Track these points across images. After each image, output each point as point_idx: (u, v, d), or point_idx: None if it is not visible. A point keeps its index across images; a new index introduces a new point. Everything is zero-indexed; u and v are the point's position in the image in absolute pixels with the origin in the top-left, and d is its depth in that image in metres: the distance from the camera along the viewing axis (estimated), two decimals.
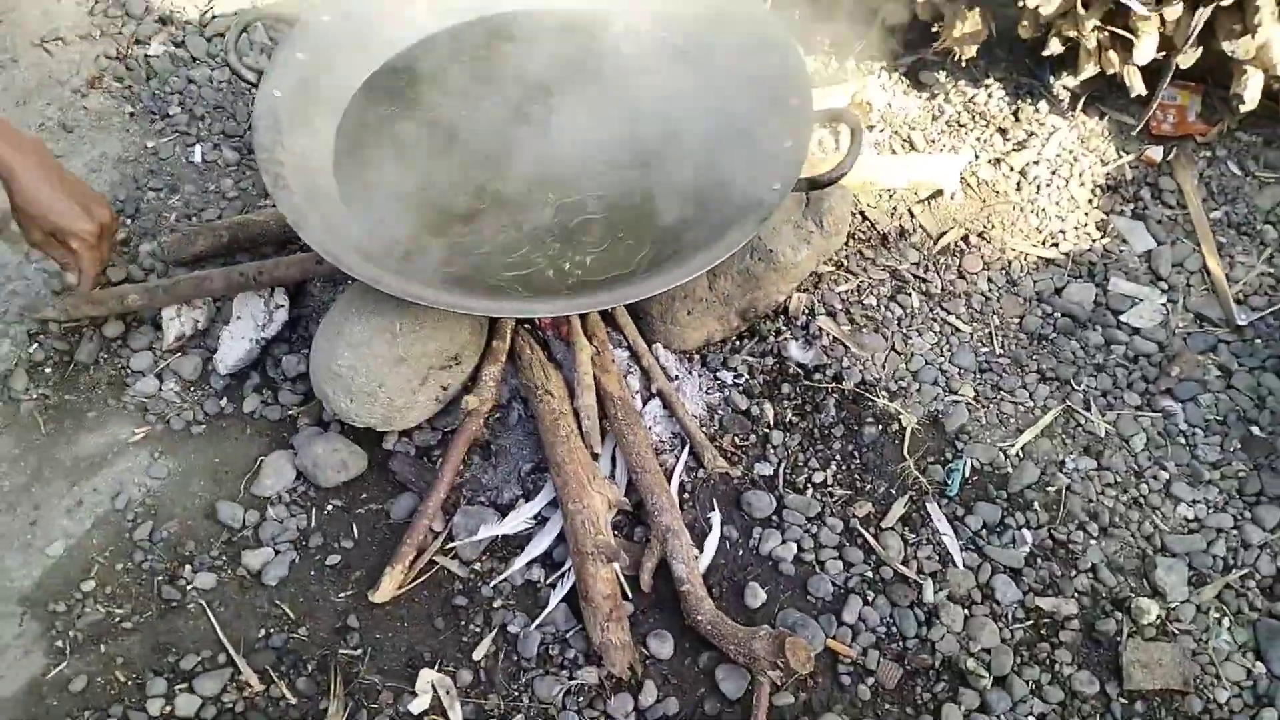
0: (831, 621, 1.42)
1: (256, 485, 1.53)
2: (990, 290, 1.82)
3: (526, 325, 1.62)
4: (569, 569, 1.42)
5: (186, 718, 1.32)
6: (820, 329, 1.71)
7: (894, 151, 2.02)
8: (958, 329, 1.76)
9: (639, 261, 1.45)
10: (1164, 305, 1.80)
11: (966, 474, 1.57)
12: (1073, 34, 1.90)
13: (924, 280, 1.82)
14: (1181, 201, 1.95)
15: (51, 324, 1.68)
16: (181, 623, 1.41)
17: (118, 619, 1.41)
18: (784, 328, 1.71)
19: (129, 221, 1.86)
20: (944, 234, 1.88)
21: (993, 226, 1.90)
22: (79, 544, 1.48)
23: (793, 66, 1.53)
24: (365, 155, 1.55)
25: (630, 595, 1.42)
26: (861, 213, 1.90)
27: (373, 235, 1.46)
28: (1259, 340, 1.75)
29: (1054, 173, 1.97)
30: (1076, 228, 1.91)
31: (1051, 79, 2.06)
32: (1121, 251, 1.87)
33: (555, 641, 1.39)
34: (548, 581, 1.44)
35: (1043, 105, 2.06)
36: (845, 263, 1.82)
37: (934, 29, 2.07)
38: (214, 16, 2.22)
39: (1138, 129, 2.01)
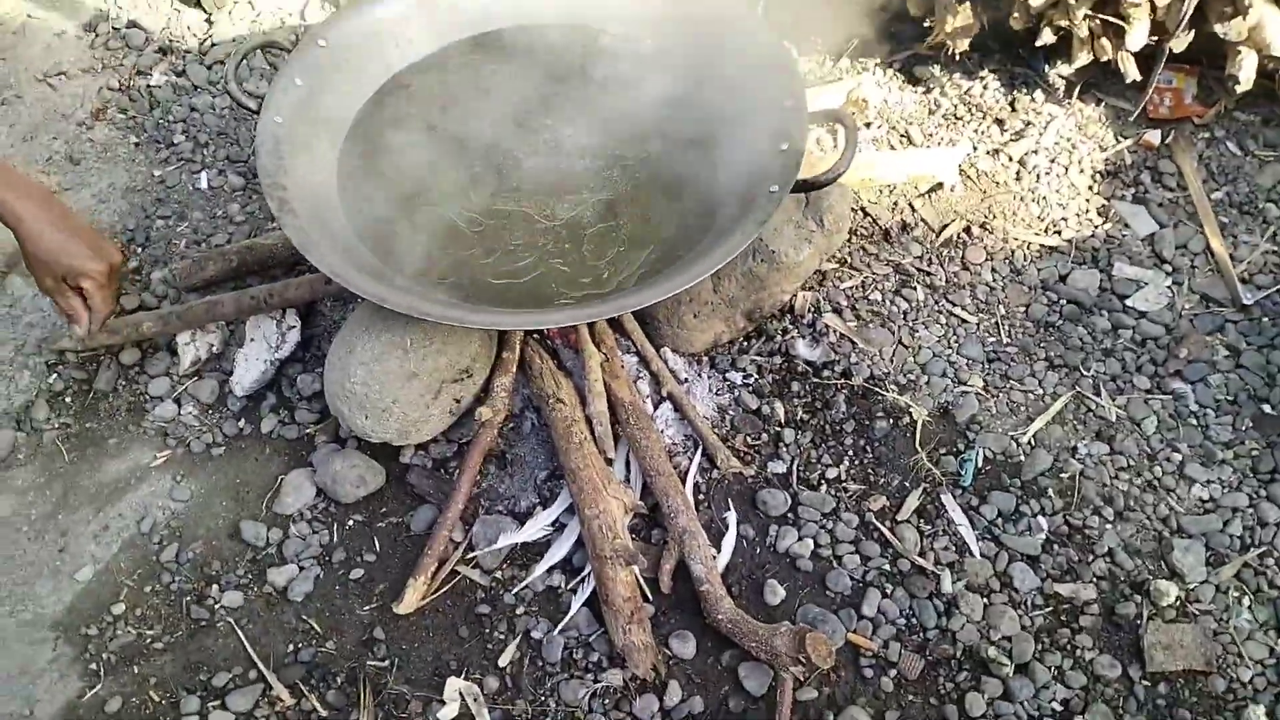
0: (851, 615, 1.43)
1: (278, 504, 1.55)
2: (995, 280, 1.83)
3: (535, 335, 1.64)
4: (589, 573, 1.44)
5: None
6: (827, 326, 1.72)
7: (892, 147, 2.03)
8: (964, 320, 1.77)
9: (642, 269, 1.47)
10: (1169, 288, 1.80)
11: (979, 464, 1.58)
12: (1064, 23, 1.91)
13: (928, 273, 1.83)
14: (1182, 184, 1.96)
15: (69, 354, 1.71)
16: (211, 641, 1.43)
17: (149, 640, 1.43)
18: (790, 326, 1.72)
19: (139, 250, 1.89)
20: (946, 226, 1.89)
21: (994, 217, 1.91)
22: (107, 568, 1.50)
23: (785, 70, 1.54)
24: (368, 175, 1.57)
25: (650, 597, 1.44)
26: (863, 209, 1.92)
27: (378, 253, 1.48)
28: (1266, 318, 1.75)
29: (1053, 161, 1.98)
30: (1078, 214, 1.92)
31: (1046, 68, 2.07)
32: (1124, 236, 1.88)
33: (579, 645, 1.41)
34: (568, 587, 1.46)
35: (1038, 95, 2.08)
36: (849, 259, 1.84)
37: (926, 24, 2.08)
38: (213, 45, 2.25)
39: (1135, 114, 2.02)
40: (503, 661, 1.40)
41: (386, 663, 1.40)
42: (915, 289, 1.80)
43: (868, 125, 2.06)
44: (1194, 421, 1.64)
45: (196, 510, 1.56)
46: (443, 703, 1.36)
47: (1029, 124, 2.04)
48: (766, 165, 1.47)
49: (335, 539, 1.53)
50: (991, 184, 1.97)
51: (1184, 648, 1.39)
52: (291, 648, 1.42)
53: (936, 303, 1.79)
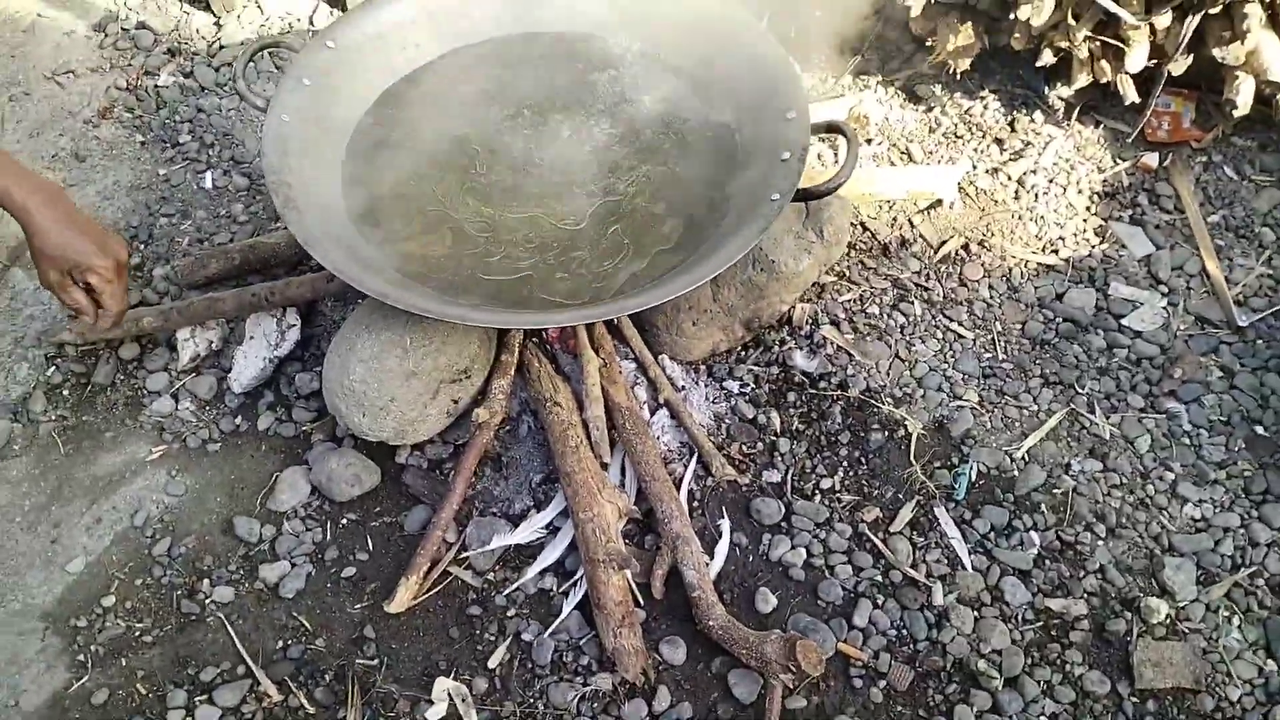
0: (842, 625, 1.43)
1: (272, 500, 1.55)
2: (992, 297, 1.84)
3: (534, 339, 1.64)
4: (581, 577, 1.44)
5: None
6: (824, 338, 1.73)
7: (892, 163, 2.05)
8: (961, 335, 1.78)
9: (642, 273, 1.48)
10: (1164, 308, 1.81)
11: (973, 478, 1.59)
12: (1065, 44, 1.93)
13: (926, 288, 1.84)
14: (1179, 206, 1.97)
15: (68, 347, 1.71)
16: (200, 636, 1.43)
17: (138, 633, 1.43)
18: (788, 337, 1.73)
19: (142, 247, 1.90)
20: (944, 243, 1.91)
21: (992, 234, 1.93)
22: (99, 560, 1.50)
23: (788, 81, 1.56)
24: (372, 175, 1.58)
25: (642, 602, 1.44)
26: (862, 223, 1.93)
27: (381, 252, 1.49)
28: (1260, 341, 1.76)
29: (1051, 181, 2.00)
30: (1075, 234, 1.93)
31: (1046, 89, 2.09)
32: (1121, 256, 1.90)
33: (569, 649, 1.40)
34: (560, 590, 1.46)
35: (1038, 115, 2.10)
36: (847, 272, 1.85)
37: (928, 43, 2.10)
38: (221, 47, 2.27)
39: (1133, 136, 2.04)
40: (492, 663, 1.40)
41: (376, 661, 1.40)
42: (913, 304, 1.81)
43: (869, 141, 2.08)
44: (1187, 441, 1.64)
45: (190, 505, 1.56)
46: (431, 703, 1.36)
47: (1028, 144, 2.05)
48: (768, 174, 1.48)
49: (328, 537, 1.53)
50: (990, 202, 1.98)
51: (1173, 665, 1.39)
52: (281, 644, 1.42)
53: (934, 318, 1.80)
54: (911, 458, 1.61)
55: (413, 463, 1.59)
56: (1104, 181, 2.01)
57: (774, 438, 1.62)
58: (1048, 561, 1.50)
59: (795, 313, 1.74)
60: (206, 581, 1.48)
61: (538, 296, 1.46)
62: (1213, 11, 1.78)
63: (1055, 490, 1.58)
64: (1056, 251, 1.91)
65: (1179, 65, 1.86)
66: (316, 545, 1.52)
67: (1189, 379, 1.71)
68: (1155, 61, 1.89)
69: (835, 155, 2.03)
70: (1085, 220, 1.96)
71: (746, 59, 1.62)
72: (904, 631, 1.43)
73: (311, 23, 2.33)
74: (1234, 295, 1.82)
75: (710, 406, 1.65)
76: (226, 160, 2.07)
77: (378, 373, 1.46)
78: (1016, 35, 1.98)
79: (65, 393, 1.69)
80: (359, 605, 1.46)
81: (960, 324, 1.79)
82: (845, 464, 1.60)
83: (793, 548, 1.50)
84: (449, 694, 1.36)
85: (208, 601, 1.46)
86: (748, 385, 1.68)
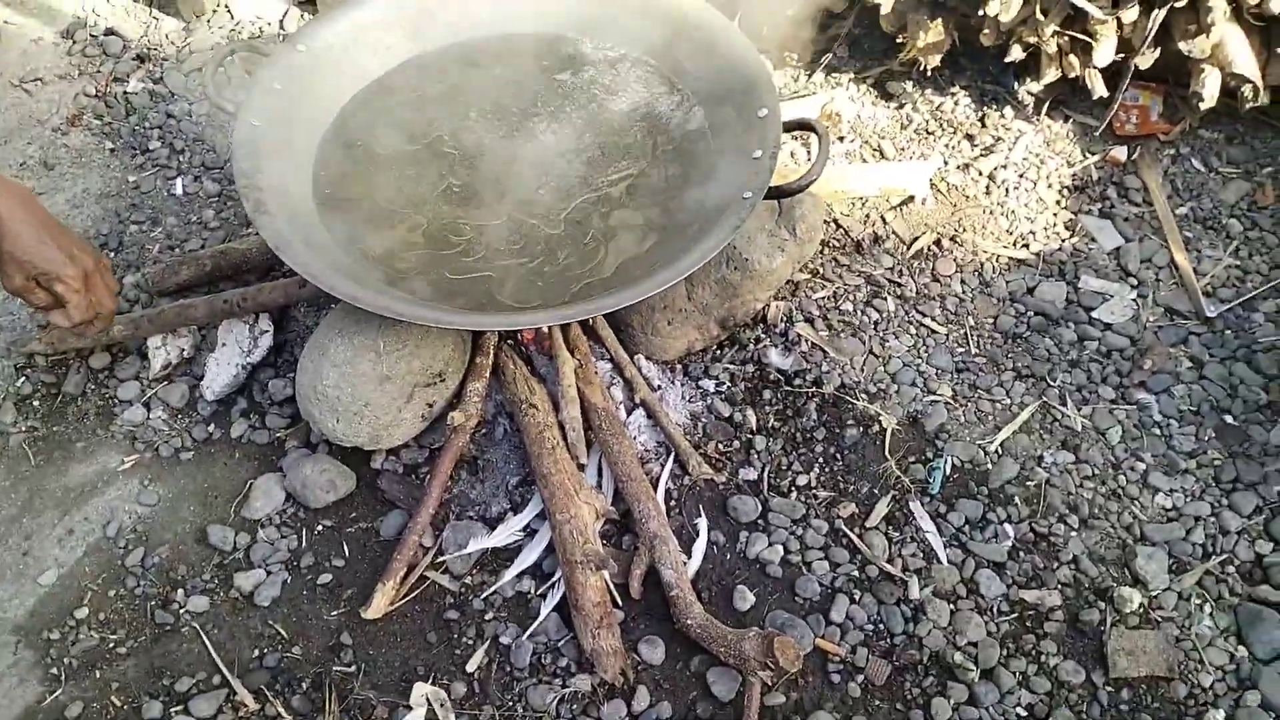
0: (820, 621, 1.44)
1: (246, 508, 1.54)
2: (964, 292, 1.85)
3: (509, 341, 1.64)
4: (559, 579, 1.44)
5: None
6: (799, 335, 1.73)
7: (865, 160, 2.06)
8: (934, 331, 1.79)
9: (616, 273, 1.48)
10: (1134, 300, 1.83)
11: (947, 472, 1.60)
12: (1033, 40, 1.95)
13: (899, 284, 1.85)
14: (1147, 199, 1.99)
15: (38, 357, 1.69)
16: (175, 646, 1.42)
17: (112, 645, 1.42)
18: (763, 335, 1.74)
19: (113, 254, 1.88)
20: (917, 239, 1.92)
21: (964, 230, 1.94)
22: (71, 572, 1.49)
23: (760, 79, 1.56)
24: (344, 179, 1.58)
25: (620, 603, 1.44)
26: (835, 221, 1.94)
27: (352, 256, 1.48)
28: (1228, 331, 1.79)
29: (1022, 176, 2.01)
30: (1046, 228, 1.95)
31: (1015, 85, 2.11)
32: (1090, 250, 1.91)
33: (547, 651, 1.40)
34: (538, 592, 1.46)
35: (1008, 111, 2.11)
36: (821, 270, 1.85)
37: (899, 40, 2.11)
38: (191, 53, 2.25)
39: (1101, 130, 2.05)
40: (470, 667, 1.39)
41: (353, 668, 1.39)
42: (886, 300, 1.82)
43: (841, 139, 2.09)
44: (1158, 432, 1.66)
45: (163, 515, 1.55)
46: (409, 708, 1.35)
47: (999, 139, 2.07)
48: (740, 172, 1.48)
49: (304, 544, 1.52)
50: (962, 198, 2.00)
51: (1146, 654, 1.41)
52: (257, 653, 1.41)
53: (907, 313, 1.81)
54: (886, 453, 1.61)
55: (388, 468, 1.58)
56: (1073, 175, 2.03)
57: (750, 436, 1.62)
58: (1022, 553, 1.52)
59: (770, 311, 1.75)
60: (181, 591, 1.46)
61: (512, 298, 1.46)
62: (1178, 5, 1.80)
63: (1028, 482, 1.59)
64: (1027, 246, 1.92)
65: (1146, 59, 1.88)
66: (292, 552, 1.51)
67: (1159, 370, 1.73)
68: (1122, 56, 1.91)
69: (808, 153, 2.04)
70: (1055, 214, 1.97)
71: (718, 58, 1.63)
72: (881, 626, 1.44)
73: (282, 27, 2.32)
74: (1202, 286, 1.85)
75: (686, 405, 1.66)
76: (197, 166, 2.05)
77: (351, 377, 1.45)
78: (986, 31, 1.99)
79: (35, 403, 1.67)
80: (335, 612, 1.45)
81: (933, 319, 1.80)
82: (821, 460, 1.61)
83: (770, 545, 1.51)
84: (427, 699, 1.36)
85: (182, 611, 1.45)
86: (723, 384, 1.68)
